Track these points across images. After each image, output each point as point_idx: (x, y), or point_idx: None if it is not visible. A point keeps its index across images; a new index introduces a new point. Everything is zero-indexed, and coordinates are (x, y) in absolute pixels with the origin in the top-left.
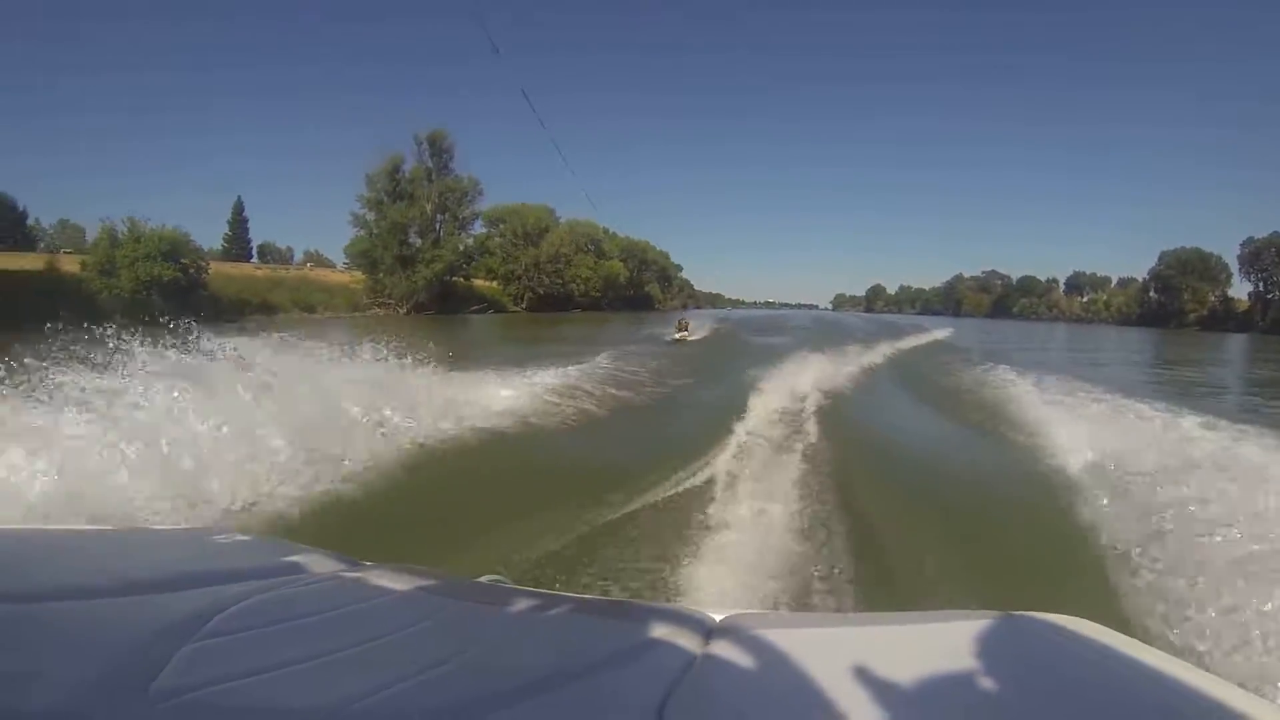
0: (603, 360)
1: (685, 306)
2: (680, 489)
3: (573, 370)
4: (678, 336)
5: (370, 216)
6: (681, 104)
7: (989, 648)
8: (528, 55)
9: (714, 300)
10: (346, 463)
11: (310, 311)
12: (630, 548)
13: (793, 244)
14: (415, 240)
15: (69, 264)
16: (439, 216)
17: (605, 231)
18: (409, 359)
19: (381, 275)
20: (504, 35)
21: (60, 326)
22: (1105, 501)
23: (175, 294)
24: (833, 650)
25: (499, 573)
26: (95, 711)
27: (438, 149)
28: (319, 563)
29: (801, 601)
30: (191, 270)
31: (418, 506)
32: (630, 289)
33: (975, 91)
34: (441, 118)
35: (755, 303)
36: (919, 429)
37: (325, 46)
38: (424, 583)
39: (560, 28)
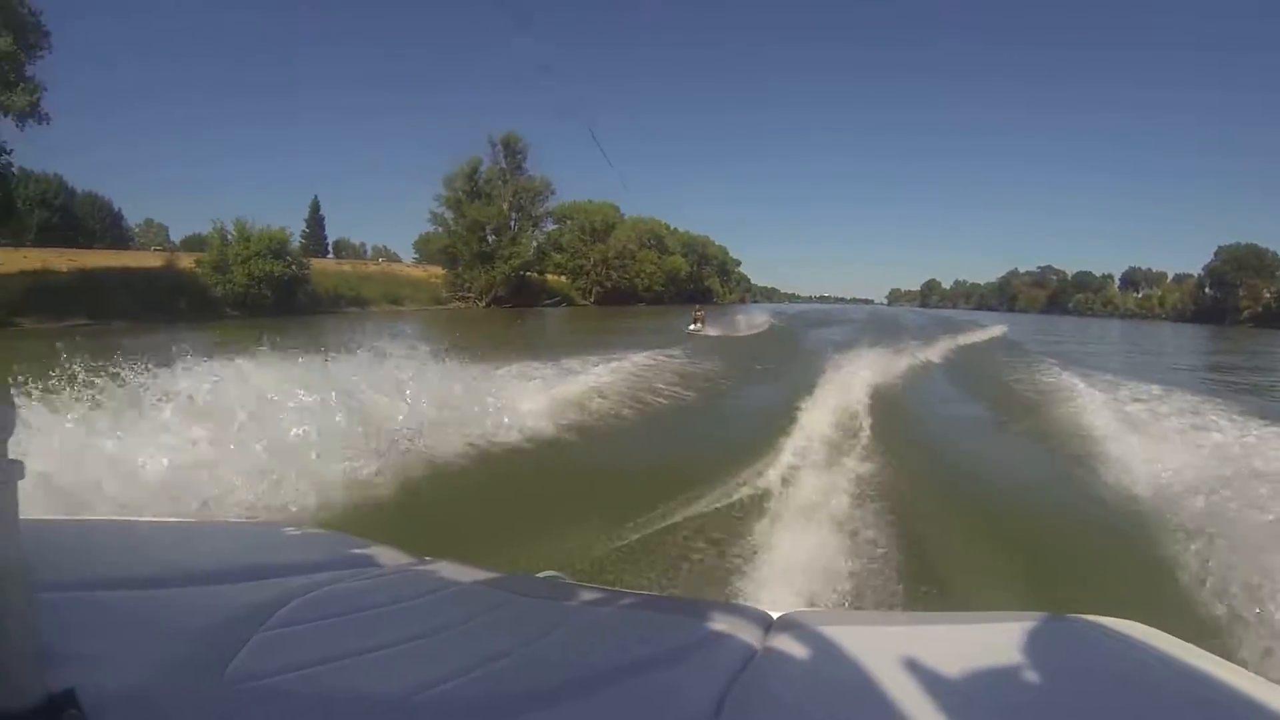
0: (663, 353)
1: (742, 300)
2: (736, 486)
3: (633, 364)
4: (693, 329)
5: (448, 215)
6: (731, 97)
7: (1042, 649)
8: (590, 50)
9: (770, 295)
10: (406, 457)
11: (398, 304)
12: (687, 546)
13: (848, 238)
14: (492, 238)
15: (185, 261)
16: (514, 215)
17: (667, 227)
18: (482, 357)
19: (461, 270)
20: (564, 32)
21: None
22: (1163, 503)
23: (282, 288)
24: (889, 649)
25: (557, 570)
26: (177, 692)
27: (512, 150)
28: (382, 557)
29: (856, 599)
30: (294, 266)
31: (477, 504)
32: (691, 283)
33: (1031, 86)
34: (492, 114)
35: (810, 297)
36: (973, 428)
37: (379, 45)
38: (484, 578)
39: (623, 28)
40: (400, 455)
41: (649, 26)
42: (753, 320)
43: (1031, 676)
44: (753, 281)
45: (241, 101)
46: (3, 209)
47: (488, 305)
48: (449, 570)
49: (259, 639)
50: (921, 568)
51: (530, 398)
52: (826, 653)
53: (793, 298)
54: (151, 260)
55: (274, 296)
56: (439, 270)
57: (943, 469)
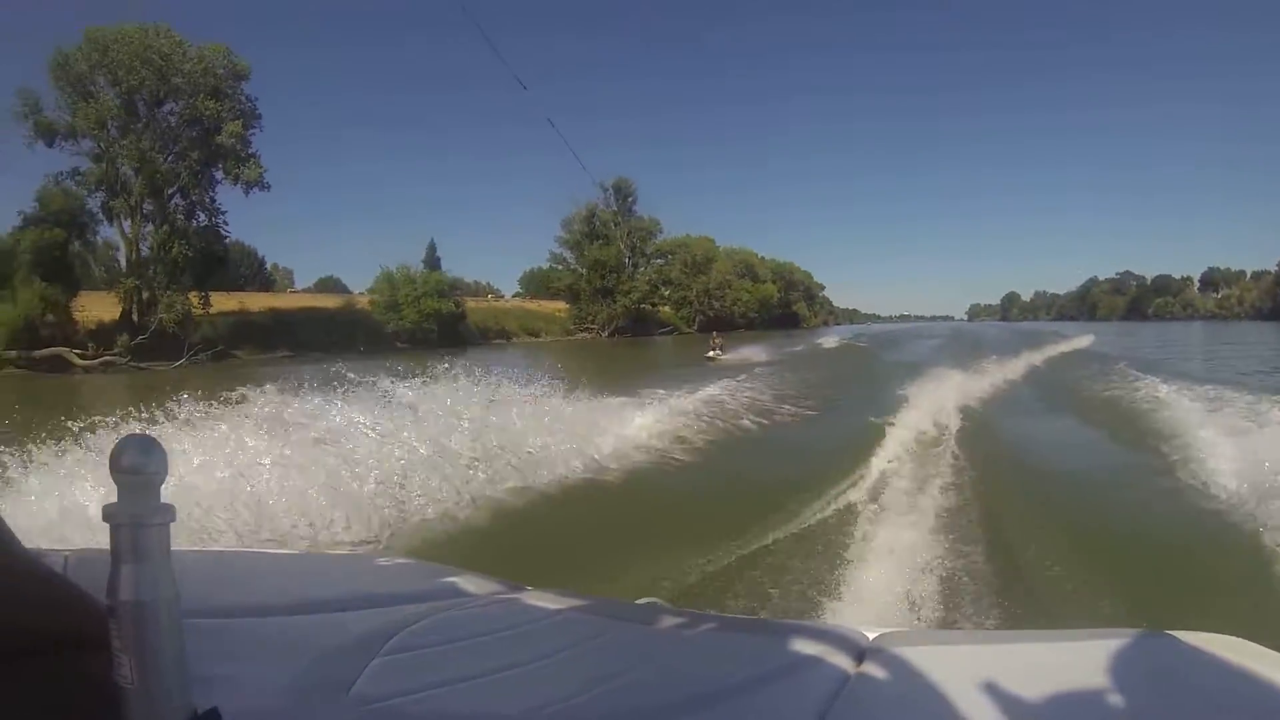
0: (750, 377)
1: (826, 323)
2: (826, 506)
3: (720, 389)
4: (711, 355)
5: (567, 255)
6: (813, 131)
7: (1141, 667)
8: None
9: (850, 316)
10: (508, 488)
11: (535, 336)
12: (780, 567)
13: (925, 256)
14: (610, 275)
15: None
16: (629, 253)
17: (757, 256)
18: (595, 386)
19: (583, 304)
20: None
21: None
22: (1267, 512)
23: (446, 324)
24: (985, 670)
25: (653, 596)
26: (309, 713)
27: (622, 194)
28: (482, 586)
29: (950, 618)
30: (455, 304)
31: (573, 531)
32: (780, 308)
33: (1102, 83)
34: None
35: (890, 316)
36: (1061, 442)
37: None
38: (583, 604)
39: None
40: (499, 486)
41: (727, 62)
42: (822, 343)
43: (1132, 697)
44: (835, 304)
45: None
46: (218, 261)
47: (610, 335)
48: (548, 598)
49: (377, 664)
50: (1016, 584)
51: (625, 425)
52: (922, 675)
53: (874, 318)
54: (329, 301)
55: (439, 331)
56: (558, 304)
57: (1033, 483)
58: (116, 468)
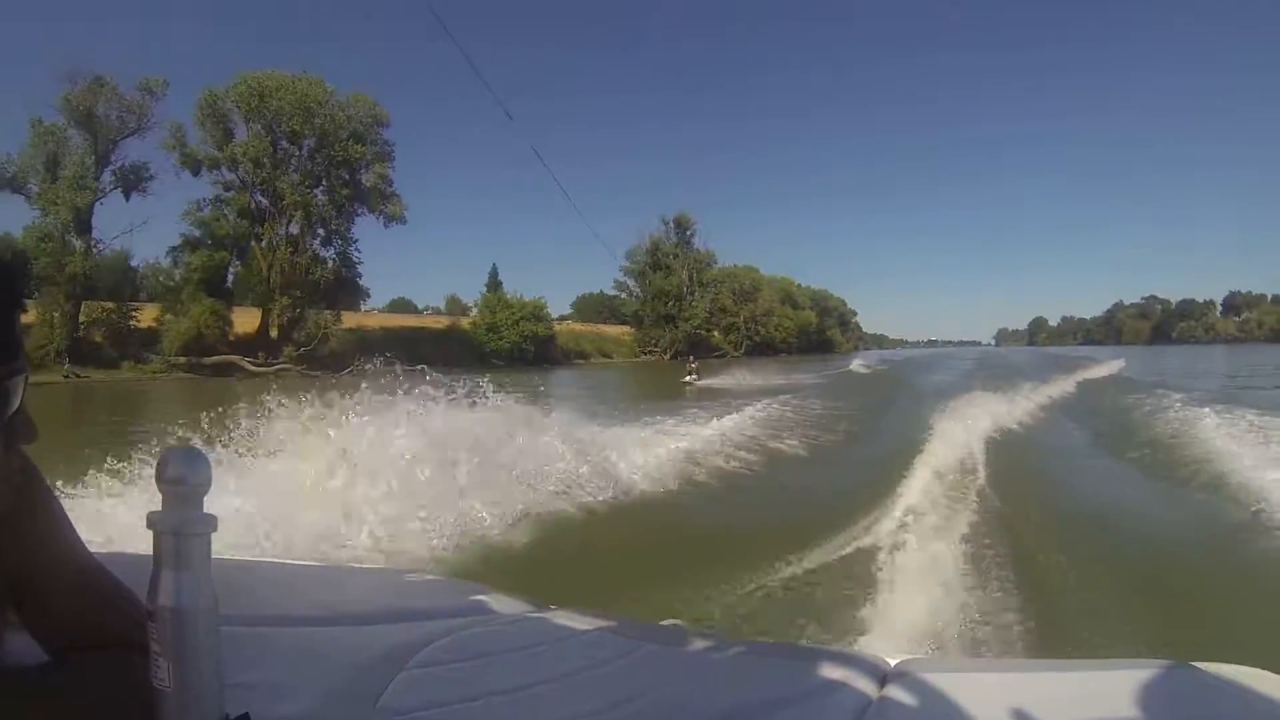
0: (779, 402)
1: (856, 349)
2: (854, 533)
3: (748, 414)
4: (687, 379)
5: (630, 283)
6: (839, 150)
7: (1165, 699)
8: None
9: (879, 341)
10: (523, 509)
11: (608, 357)
12: (806, 592)
13: (952, 281)
14: (672, 303)
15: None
16: (689, 283)
17: (796, 285)
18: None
19: (646, 329)
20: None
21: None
22: None
23: (539, 345)
24: (1007, 699)
25: (678, 618)
26: None
27: (682, 227)
28: (509, 604)
29: (974, 646)
30: (549, 327)
31: (600, 552)
32: (817, 334)
33: (1126, 118)
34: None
35: (918, 342)
36: (1089, 467)
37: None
38: (608, 625)
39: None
40: (529, 506)
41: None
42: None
43: None
44: (863, 330)
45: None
46: (353, 284)
47: (671, 358)
48: (572, 618)
49: (403, 677)
50: (1041, 612)
51: (651, 449)
52: (944, 702)
53: (900, 343)
54: (437, 322)
55: (534, 351)
56: (622, 328)
57: (1058, 512)
58: (161, 478)
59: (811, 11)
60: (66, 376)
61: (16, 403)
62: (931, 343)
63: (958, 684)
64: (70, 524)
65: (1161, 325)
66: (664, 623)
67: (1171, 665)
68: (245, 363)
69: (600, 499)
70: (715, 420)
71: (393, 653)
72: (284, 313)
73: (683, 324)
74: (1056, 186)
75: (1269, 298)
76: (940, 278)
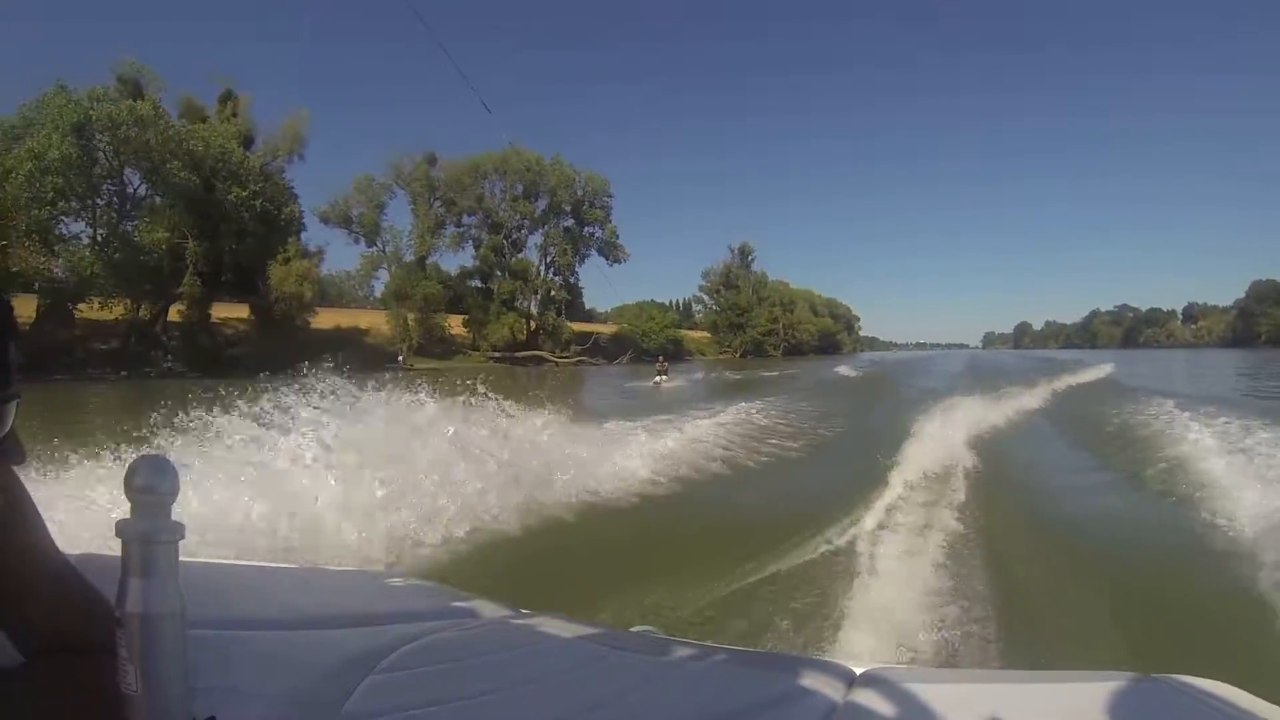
0: (760, 403)
1: (857, 351)
2: (825, 538)
3: (729, 416)
4: (656, 380)
5: (706, 298)
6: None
7: (1129, 711)
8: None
9: (870, 344)
10: (500, 511)
11: (703, 354)
12: (775, 601)
13: (942, 285)
14: (739, 315)
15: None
16: (753, 299)
17: (817, 295)
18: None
19: (721, 334)
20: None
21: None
22: (1265, 553)
23: (673, 345)
24: (972, 708)
25: (648, 624)
26: None
27: (744, 254)
28: (481, 609)
29: (942, 656)
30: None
31: (573, 557)
32: (829, 338)
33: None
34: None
35: (908, 344)
36: (1066, 474)
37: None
38: (579, 632)
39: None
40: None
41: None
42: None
43: None
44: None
45: None
46: (579, 305)
47: (740, 357)
48: (545, 623)
49: (370, 682)
50: (1008, 622)
51: (628, 453)
52: (908, 710)
53: (890, 346)
54: (606, 329)
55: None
56: (701, 332)
57: (1036, 520)
58: (129, 486)
59: (812, 10)
60: (410, 368)
61: (7, 427)
62: (921, 345)
63: (923, 693)
64: (46, 527)
65: (1130, 331)
66: (633, 629)
67: (1137, 678)
68: (550, 354)
69: (573, 502)
70: (700, 421)
71: (361, 657)
72: (535, 325)
73: (751, 330)
74: (1047, 191)
75: (1223, 308)
76: (929, 282)
